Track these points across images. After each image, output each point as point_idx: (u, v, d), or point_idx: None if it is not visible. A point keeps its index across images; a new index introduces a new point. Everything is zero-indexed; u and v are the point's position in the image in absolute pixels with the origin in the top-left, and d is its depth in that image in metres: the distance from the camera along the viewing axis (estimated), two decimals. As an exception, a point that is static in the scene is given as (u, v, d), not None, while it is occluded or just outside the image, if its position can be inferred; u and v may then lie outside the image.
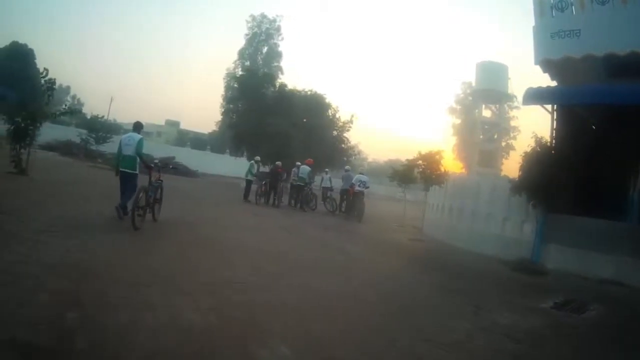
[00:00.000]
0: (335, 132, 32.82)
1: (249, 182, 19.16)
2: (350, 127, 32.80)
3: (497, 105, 58.43)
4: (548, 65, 11.60)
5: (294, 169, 19.84)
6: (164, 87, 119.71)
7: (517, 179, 11.38)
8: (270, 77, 34.40)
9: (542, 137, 11.25)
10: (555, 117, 11.27)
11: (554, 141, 11.27)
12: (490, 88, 55.17)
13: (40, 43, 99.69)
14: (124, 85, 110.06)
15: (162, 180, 9.95)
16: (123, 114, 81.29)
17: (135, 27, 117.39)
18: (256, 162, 20.27)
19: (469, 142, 57.78)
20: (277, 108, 30.32)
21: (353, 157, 34.48)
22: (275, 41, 57.99)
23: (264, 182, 18.95)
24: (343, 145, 32.63)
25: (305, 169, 19.18)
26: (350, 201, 18.10)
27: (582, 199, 10.97)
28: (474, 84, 58.07)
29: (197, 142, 60.55)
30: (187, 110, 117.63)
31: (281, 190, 18.97)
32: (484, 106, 58.77)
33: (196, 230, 9.87)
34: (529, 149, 11.14)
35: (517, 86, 58.49)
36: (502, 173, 49.11)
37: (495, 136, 58.96)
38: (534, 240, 10.99)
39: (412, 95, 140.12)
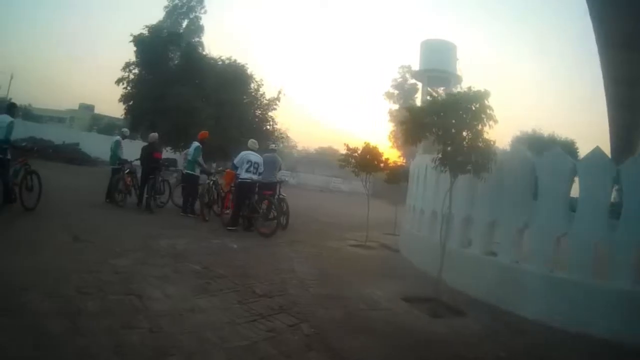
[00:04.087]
0: (258, 112, 27.50)
1: (115, 172, 12.09)
2: (276, 105, 27.72)
3: (446, 88, 54.22)
4: None
5: (185, 151, 13.21)
6: (79, 70, 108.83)
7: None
8: (177, 37, 27.36)
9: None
10: None
11: None
12: (436, 68, 50.77)
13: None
14: (39, 69, 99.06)
15: (29, 165, 8.97)
16: (39, 99, 72.45)
17: (51, 6, 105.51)
18: (123, 137, 12.84)
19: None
20: (185, 77, 24.31)
21: (279, 142, 28.71)
22: (197, 14, 50.51)
23: (126, 171, 12.05)
24: (267, 126, 27.24)
25: (192, 145, 12.13)
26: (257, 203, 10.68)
27: None
28: (418, 65, 53.55)
29: (111, 127, 52.84)
30: (102, 94, 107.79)
31: (160, 182, 12.15)
32: (428, 89, 54.30)
33: None
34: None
35: (466, 67, 55.12)
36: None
37: None
38: None
39: (347, 82, 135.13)
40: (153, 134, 13.06)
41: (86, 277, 5.07)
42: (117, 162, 12.05)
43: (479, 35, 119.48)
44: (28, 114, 50.52)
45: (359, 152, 10.72)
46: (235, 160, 10.59)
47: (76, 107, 67.23)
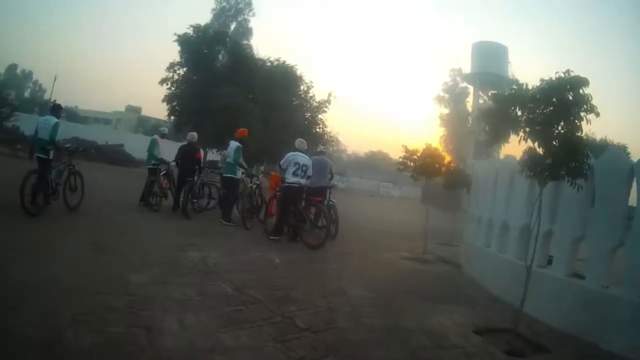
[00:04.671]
0: (308, 114, 26.40)
1: (152, 172, 11.22)
2: (327, 108, 26.50)
3: (498, 91, 51.89)
4: None
5: (224, 151, 12.26)
6: (127, 72, 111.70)
7: None
8: (223, 36, 26.53)
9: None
10: None
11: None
12: (487, 71, 48.61)
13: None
14: (86, 71, 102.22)
15: (73, 165, 8.97)
16: (86, 101, 74.87)
17: (100, 11, 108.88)
18: (161, 136, 11.87)
19: (459, 132, 50.99)
20: (231, 77, 23.39)
21: (329, 145, 27.74)
22: (245, 17, 50.16)
23: (162, 172, 11.12)
24: (317, 129, 26.03)
25: (231, 145, 10.78)
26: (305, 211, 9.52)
27: None
28: (469, 68, 51.82)
29: (158, 128, 53.12)
30: (150, 96, 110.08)
31: (199, 185, 11.20)
32: (480, 92, 52.29)
33: None
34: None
35: (518, 70, 53.11)
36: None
37: None
38: None
39: (398, 85, 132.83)
40: (192, 133, 12.17)
41: (89, 299, 4.09)
42: (153, 162, 11.21)
43: (532, 37, 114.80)
44: (73, 116, 50.84)
45: (419, 154, 9.47)
46: (282, 162, 9.46)
47: (123, 109, 67.72)
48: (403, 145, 9.94)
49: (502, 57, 50.04)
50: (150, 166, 11.24)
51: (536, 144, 4.70)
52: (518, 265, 6.03)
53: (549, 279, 5.78)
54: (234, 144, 10.67)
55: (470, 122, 50.16)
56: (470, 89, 52.58)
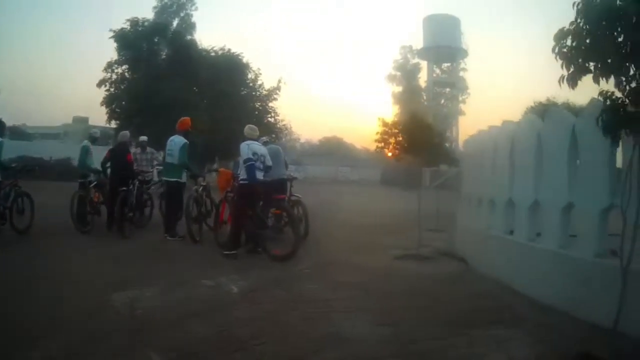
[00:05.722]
0: (257, 103, 25.57)
1: (83, 186, 9.08)
2: (277, 95, 25.69)
3: (452, 64, 51.62)
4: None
5: (151, 154, 10.72)
6: (71, 81, 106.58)
7: None
8: (162, 27, 24.82)
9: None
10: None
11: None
12: (440, 44, 48.35)
13: None
14: (30, 85, 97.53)
15: (19, 186, 8.44)
16: (34, 117, 71.67)
17: (37, 22, 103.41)
18: (92, 141, 9.72)
19: (413, 109, 50.31)
20: (174, 70, 22.25)
21: (282, 135, 27.65)
22: (188, 11, 48.13)
23: (92, 183, 9.05)
24: (269, 119, 25.12)
25: (175, 142, 8.74)
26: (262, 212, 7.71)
27: None
28: (421, 44, 51.03)
29: (106, 137, 50.67)
30: (95, 104, 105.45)
31: (136, 195, 9.03)
32: (434, 66, 51.58)
33: None
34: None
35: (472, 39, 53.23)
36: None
37: (449, 97, 52.52)
38: None
39: (348, 67, 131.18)
40: (123, 132, 10.25)
41: None
42: (82, 173, 9.23)
43: (480, 5, 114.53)
44: (20, 133, 47.92)
45: (403, 126, 7.81)
46: (244, 158, 7.29)
47: (70, 121, 64.49)
48: (379, 118, 8.44)
49: (455, 28, 49.59)
50: (82, 179, 9.19)
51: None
52: (566, 256, 4.79)
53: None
54: (178, 140, 8.68)
55: (425, 97, 49.89)
56: (423, 64, 51.99)
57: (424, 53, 50.60)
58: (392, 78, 52.56)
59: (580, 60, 3.34)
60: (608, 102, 3.33)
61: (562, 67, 3.45)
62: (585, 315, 4.25)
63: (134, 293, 4.92)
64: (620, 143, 3.99)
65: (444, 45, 48.27)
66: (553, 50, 3.45)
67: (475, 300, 5.27)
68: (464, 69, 51.61)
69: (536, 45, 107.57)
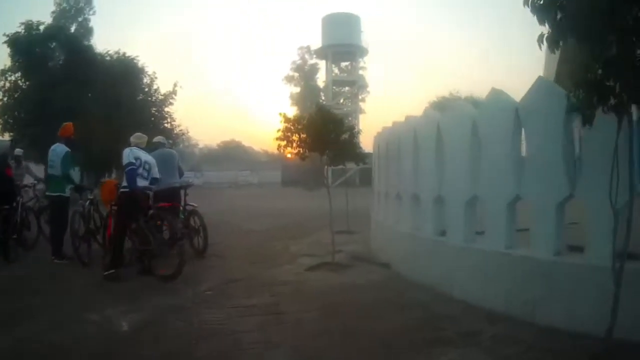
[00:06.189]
0: (154, 109, 25.17)
1: None
2: (173, 99, 25.57)
3: (352, 62, 52.64)
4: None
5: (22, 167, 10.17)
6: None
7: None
8: (57, 30, 23.84)
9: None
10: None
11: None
12: (340, 43, 49.48)
13: None
14: None
15: None
16: None
17: None
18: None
19: (311, 109, 50.75)
20: (69, 75, 21.67)
21: (179, 141, 27.78)
22: (86, 16, 45.89)
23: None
24: (165, 124, 24.85)
25: (57, 152, 7.94)
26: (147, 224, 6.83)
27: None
28: (320, 42, 51.75)
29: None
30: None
31: (20, 214, 8.38)
32: (333, 66, 53.14)
33: None
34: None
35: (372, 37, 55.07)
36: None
37: (349, 96, 54.57)
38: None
39: (245, 69, 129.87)
40: (5, 143, 9.15)
41: None
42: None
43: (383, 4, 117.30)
44: None
45: (308, 121, 7.58)
46: (124, 162, 6.69)
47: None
48: (281, 114, 7.84)
49: (355, 26, 50.59)
50: None
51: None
52: (517, 257, 4.53)
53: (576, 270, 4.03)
54: (59, 150, 7.90)
55: (324, 96, 50.87)
56: (321, 64, 53.22)
57: (322, 52, 51.33)
58: (290, 79, 53.67)
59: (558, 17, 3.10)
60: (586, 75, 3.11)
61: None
62: (546, 320, 4.05)
63: (2, 342, 4.19)
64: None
65: (342, 44, 49.23)
66: (525, 3, 3.21)
67: (410, 314, 4.79)
68: (363, 68, 52.96)
69: (442, 41, 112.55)
